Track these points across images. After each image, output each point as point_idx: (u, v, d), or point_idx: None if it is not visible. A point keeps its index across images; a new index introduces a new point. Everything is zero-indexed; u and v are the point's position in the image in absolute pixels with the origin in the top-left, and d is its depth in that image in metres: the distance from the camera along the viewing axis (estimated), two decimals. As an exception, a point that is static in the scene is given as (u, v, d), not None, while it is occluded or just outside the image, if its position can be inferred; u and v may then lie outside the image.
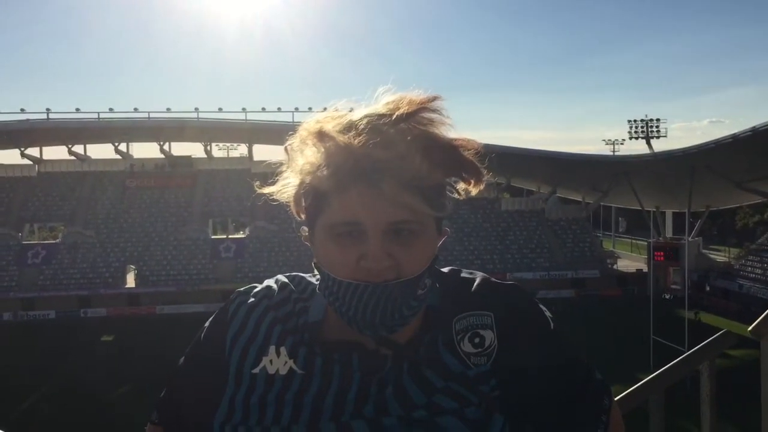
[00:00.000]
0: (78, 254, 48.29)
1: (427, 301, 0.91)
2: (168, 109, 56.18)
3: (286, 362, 0.92)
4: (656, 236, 49.25)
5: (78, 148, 58.30)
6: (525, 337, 0.95)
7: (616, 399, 1.13)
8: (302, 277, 1.02)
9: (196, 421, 0.94)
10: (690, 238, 44.73)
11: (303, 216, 0.92)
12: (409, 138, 0.84)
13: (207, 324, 1.01)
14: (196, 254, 49.50)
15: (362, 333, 0.87)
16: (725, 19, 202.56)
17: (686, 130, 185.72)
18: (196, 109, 55.62)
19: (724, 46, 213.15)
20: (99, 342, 36.63)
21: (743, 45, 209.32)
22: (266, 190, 0.94)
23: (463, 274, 1.02)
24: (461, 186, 0.92)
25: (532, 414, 0.94)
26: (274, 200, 0.94)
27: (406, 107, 0.85)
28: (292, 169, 0.90)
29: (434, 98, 0.88)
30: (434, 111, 0.87)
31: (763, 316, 2.19)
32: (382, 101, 0.88)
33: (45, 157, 57.23)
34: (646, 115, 59.12)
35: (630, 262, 55.51)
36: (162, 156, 58.47)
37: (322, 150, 0.85)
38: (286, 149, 0.92)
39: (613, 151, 72.19)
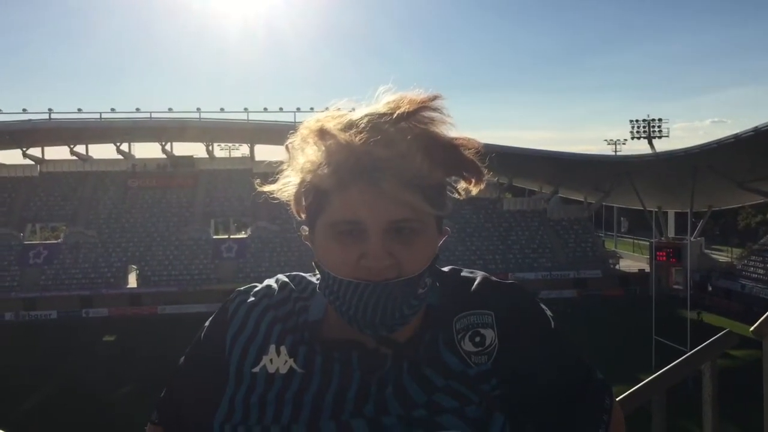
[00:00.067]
0: (80, 254, 48.35)
1: (427, 300, 0.91)
2: (170, 109, 56.31)
3: (286, 361, 0.92)
4: (658, 236, 49.25)
5: (80, 148, 58.40)
6: (526, 337, 0.95)
7: (617, 399, 1.12)
8: (303, 276, 1.02)
9: (196, 421, 0.94)
10: (692, 238, 44.69)
11: (303, 215, 0.92)
12: (409, 137, 0.84)
13: (207, 324, 1.01)
14: (198, 254, 49.54)
15: (362, 332, 0.87)
16: (727, 19, 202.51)
17: (688, 130, 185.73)
18: (198, 109, 55.78)
19: (726, 46, 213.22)
20: (100, 342, 36.66)
21: (745, 45, 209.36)
22: (267, 188, 0.94)
23: (463, 273, 1.02)
24: (462, 185, 0.92)
25: (533, 413, 0.93)
26: (274, 199, 0.94)
27: (407, 106, 0.86)
28: (293, 168, 0.90)
29: (435, 97, 0.88)
30: (435, 110, 0.87)
31: (765, 316, 2.18)
32: (382, 101, 0.88)
33: (47, 157, 57.37)
34: (648, 115, 59.17)
35: (632, 262, 55.49)
36: (164, 156, 58.52)
37: (323, 148, 0.85)
38: (287, 147, 0.92)
39: (615, 151, 72.19)
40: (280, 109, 56.57)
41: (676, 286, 45.73)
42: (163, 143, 57.87)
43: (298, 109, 53.82)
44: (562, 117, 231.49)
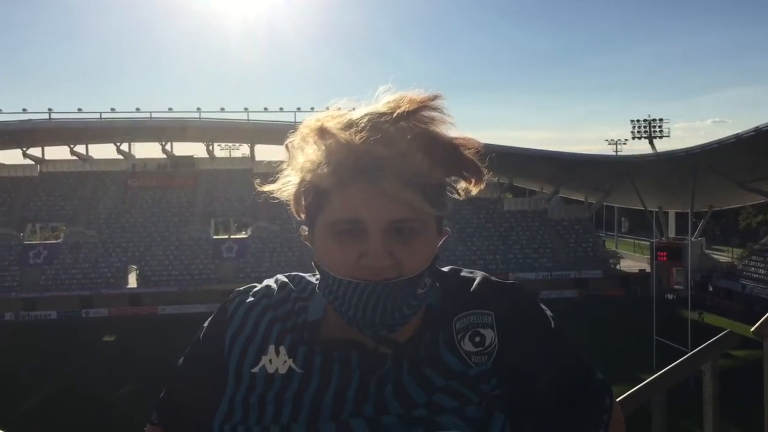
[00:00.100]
0: (80, 254, 48.38)
1: (427, 300, 0.91)
2: (170, 109, 56.36)
3: (285, 361, 0.92)
4: (659, 236, 49.29)
5: (80, 148, 58.46)
6: (526, 336, 0.95)
7: (618, 399, 1.12)
8: (302, 276, 1.02)
9: (196, 421, 0.94)
10: (693, 239, 44.76)
11: (302, 215, 0.92)
12: (409, 136, 0.84)
13: (206, 324, 1.01)
14: (198, 254, 49.57)
15: (362, 332, 0.87)
16: (727, 19, 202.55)
17: (689, 130, 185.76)
18: (198, 109, 55.84)
19: (727, 46, 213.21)
20: (100, 342, 36.69)
21: (746, 45, 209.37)
22: (267, 188, 0.94)
23: (463, 273, 1.02)
24: (462, 185, 0.92)
25: (533, 413, 0.93)
26: (274, 198, 0.94)
27: (407, 106, 0.85)
28: (293, 167, 0.90)
29: (435, 97, 0.88)
30: (435, 109, 0.87)
31: (765, 316, 2.18)
32: (382, 100, 0.87)
33: (47, 157, 57.43)
34: (649, 115, 59.20)
35: (633, 262, 55.51)
36: (164, 156, 58.58)
37: (323, 147, 0.85)
38: (286, 147, 0.91)
39: (616, 151, 72.16)
40: (281, 109, 56.63)
41: (676, 287, 45.75)
42: (164, 143, 57.93)
43: (299, 109, 53.94)
44: (563, 117, 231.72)
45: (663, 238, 49.29)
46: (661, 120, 57.99)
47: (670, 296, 43.14)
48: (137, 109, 55.59)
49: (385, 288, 0.84)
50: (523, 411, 0.92)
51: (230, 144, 67.08)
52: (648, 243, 52.59)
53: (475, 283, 0.99)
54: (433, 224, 0.88)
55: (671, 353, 18.01)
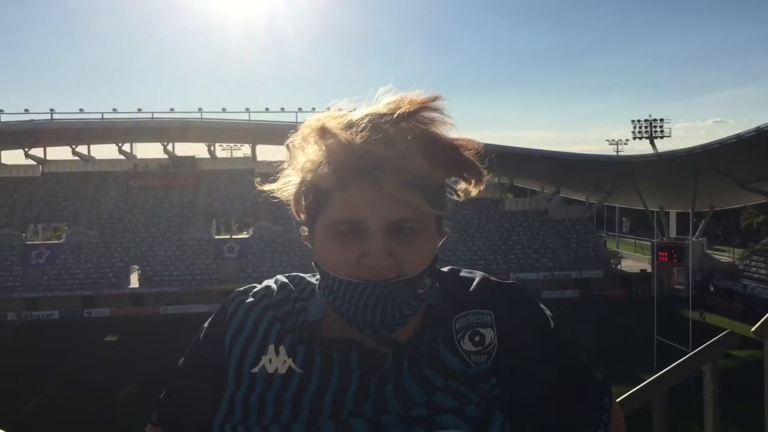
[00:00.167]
0: (82, 254, 48.43)
1: (427, 300, 0.91)
2: (171, 110, 56.40)
3: (285, 361, 0.92)
4: (660, 236, 49.24)
5: (82, 149, 58.49)
6: (525, 336, 0.95)
7: (618, 399, 1.12)
8: (302, 277, 1.02)
9: (196, 421, 0.94)
10: (694, 239, 44.71)
11: (302, 215, 0.92)
12: (410, 137, 0.84)
13: (206, 324, 1.01)
14: (200, 254, 49.60)
15: (362, 332, 0.87)
16: (727, 19, 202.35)
17: (690, 130, 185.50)
18: (200, 109, 55.90)
19: (727, 46, 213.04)
20: (102, 342, 36.73)
21: (747, 45, 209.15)
22: (267, 187, 0.94)
23: (462, 273, 1.02)
24: (461, 186, 0.92)
25: (533, 413, 0.93)
26: (274, 198, 0.94)
27: (408, 106, 0.86)
28: (293, 167, 0.90)
29: (435, 98, 0.88)
30: (435, 110, 0.88)
31: (766, 316, 2.18)
32: (383, 101, 0.88)
33: (49, 157, 57.52)
34: (650, 115, 59.26)
35: (634, 262, 55.50)
36: (165, 156, 58.62)
37: (324, 147, 0.86)
38: (287, 146, 0.92)
39: (617, 151, 72.19)
40: (282, 109, 56.67)
41: (677, 287, 45.71)
42: (165, 143, 57.96)
43: (300, 109, 53.93)
44: (564, 117, 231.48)
45: (664, 238, 49.26)
46: (662, 120, 58.01)
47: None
48: (139, 110, 55.71)
49: (386, 288, 0.84)
50: (523, 411, 0.92)
51: (232, 144, 67.05)
52: (649, 243, 52.60)
53: (475, 282, 0.99)
54: (433, 224, 0.88)
55: (672, 353, 17.99)
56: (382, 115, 0.85)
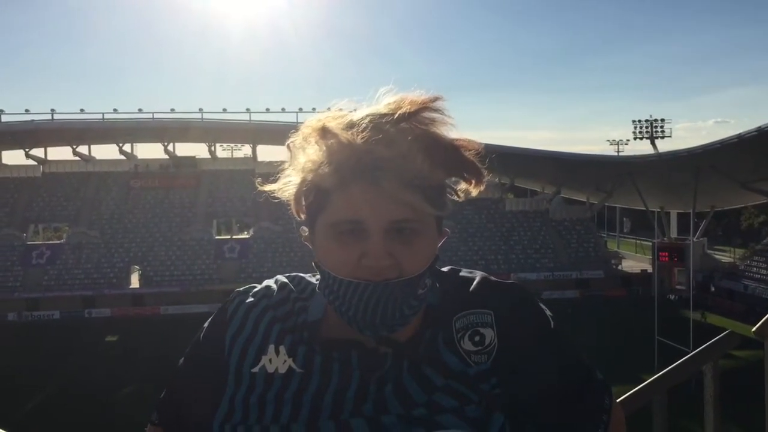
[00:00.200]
0: (82, 255, 48.45)
1: (427, 300, 0.91)
2: (172, 110, 56.45)
3: (285, 361, 0.92)
4: (661, 237, 49.23)
5: (82, 149, 58.49)
6: (525, 336, 0.95)
7: (619, 400, 1.12)
8: (302, 277, 1.02)
9: (196, 421, 0.94)
10: (695, 239, 44.66)
11: (302, 215, 0.92)
12: (410, 137, 0.84)
13: (206, 324, 1.01)
14: (200, 255, 49.62)
15: (362, 332, 0.87)
16: (727, 19, 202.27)
17: (691, 130, 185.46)
18: (201, 109, 55.93)
19: (727, 46, 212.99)
20: (103, 342, 36.73)
21: (748, 45, 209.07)
22: (268, 187, 0.94)
23: (462, 273, 1.02)
24: (462, 186, 0.92)
25: (533, 413, 0.93)
26: (275, 198, 0.94)
27: (408, 107, 0.86)
28: (294, 167, 0.90)
29: (436, 98, 0.88)
30: (436, 111, 0.88)
31: (767, 317, 2.18)
32: (384, 101, 0.88)
33: (49, 157, 57.54)
34: (651, 116, 59.25)
35: (634, 262, 55.49)
36: (166, 156, 58.63)
37: (324, 147, 0.86)
38: (288, 146, 0.92)
39: (618, 152, 72.17)
40: (283, 109, 56.71)
41: (678, 287, 45.70)
42: (166, 144, 57.97)
43: (301, 109, 53.96)
44: (564, 117, 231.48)
45: (665, 239, 49.25)
46: (662, 120, 58.08)
47: (672, 296, 43.11)
48: (139, 110, 55.76)
49: (386, 288, 0.84)
50: (523, 411, 0.92)
51: (232, 144, 67.11)
52: (650, 243, 52.60)
53: (475, 282, 0.99)
54: (433, 225, 0.89)
55: (673, 353, 17.98)
56: (382, 116, 0.85)
